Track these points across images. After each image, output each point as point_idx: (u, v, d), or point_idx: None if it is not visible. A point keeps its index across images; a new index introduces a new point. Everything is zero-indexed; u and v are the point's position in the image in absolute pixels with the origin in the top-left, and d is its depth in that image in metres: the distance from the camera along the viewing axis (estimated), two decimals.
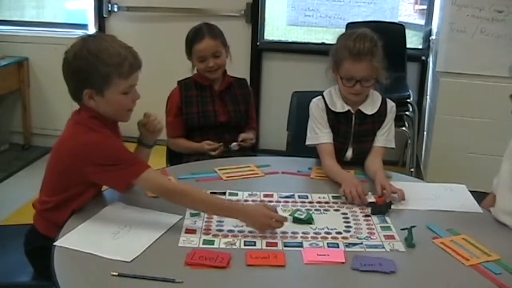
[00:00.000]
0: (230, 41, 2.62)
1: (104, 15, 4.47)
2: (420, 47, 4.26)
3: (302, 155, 2.33)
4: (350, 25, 3.83)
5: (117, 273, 1.46)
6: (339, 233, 1.73)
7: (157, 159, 2.52)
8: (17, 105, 4.47)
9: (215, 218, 1.79)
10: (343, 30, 3.35)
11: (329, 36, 4.15)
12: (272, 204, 1.82)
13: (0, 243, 2.11)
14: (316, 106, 2.28)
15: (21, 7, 4.75)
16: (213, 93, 2.60)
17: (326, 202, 1.95)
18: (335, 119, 2.24)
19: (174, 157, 2.68)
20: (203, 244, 1.63)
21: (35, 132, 4.49)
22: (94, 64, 1.75)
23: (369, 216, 1.84)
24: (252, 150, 2.67)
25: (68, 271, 1.51)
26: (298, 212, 1.81)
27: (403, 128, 3.83)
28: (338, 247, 1.65)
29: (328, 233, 1.73)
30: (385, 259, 1.57)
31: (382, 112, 2.24)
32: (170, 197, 1.79)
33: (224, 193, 1.96)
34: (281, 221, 1.72)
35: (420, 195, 2.01)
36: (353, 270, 1.52)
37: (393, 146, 2.28)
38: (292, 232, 1.72)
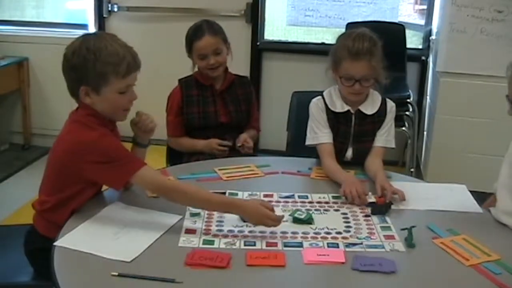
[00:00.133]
0: (230, 41, 2.61)
1: (104, 15, 4.47)
2: (420, 47, 4.26)
3: (302, 155, 2.33)
4: (350, 25, 3.82)
5: (117, 273, 1.46)
6: (339, 233, 1.73)
7: (157, 159, 2.53)
8: (17, 105, 4.47)
9: (215, 218, 1.79)
10: (343, 30, 3.35)
11: (329, 36, 4.15)
12: (272, 204, 1.82)
13: (0, 243, 2.11)
14: (315, 106, 2.28)
15: (21, 7, 4.75)
16: (214, 93, 2.59)
17: (326, 202, 1.95)
18: (334, 119, 2.24)
19: (174, 157, 2.68)
20: (203, 244, 1.63)
21: (35, 132, 4.50)
22: (91, 62, 1.75)
23: (369, 216, 1.84)
24: (252, 150, 2.66)
25: (68, 271, 1.51)
26: (298, 212, 1.81)
27: (403, 128, 3.83)
28: (338, 247, 1.65)
29: (328, 233, 1.73)
30: (385, 259, 1.57)
31: (382, 112, 2.25)
32: (166, 195, 1.80)
33: (224, 193, 1.95)
34: (277, 220, 1.72)
35: (420, 195, 2.01)
36: (353, 270, 1.52)
37: (393, 146, 2.28)
38: (292, 232, 1.72)
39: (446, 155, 3.67)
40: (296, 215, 1.79)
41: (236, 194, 1.95)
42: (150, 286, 1.43)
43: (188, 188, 1.81)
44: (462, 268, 1.56)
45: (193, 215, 1.81)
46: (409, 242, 1.66)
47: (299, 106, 2.59)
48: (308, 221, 1.78)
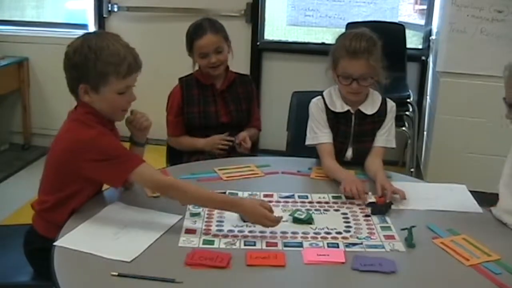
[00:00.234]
0: (230, 41, 2.61)
1: (104, 15, 4.47)
2: (420, 47, 4.26)
3: (302, 155, 2.33)
4: (350, 25, 3.82)
5: (117, 273, 1.46)
6: (339, 233, 1.73)
7: (157, 159, 2.53)
8: (17, 105, 4.47)
9: (215, 218, 1.79)
10: (343, 30, 3.34)
11: (329, 36, 4.15)
12: (272, 204, 1.82)
13: (0, 243, 2.11)
14: (315, 106, 2.28)
15: (21, 7, 4.75)
16: (214, 92, 2.58)
17: (326, 202, 1.95)
18: (334, 119, 2.24)
19: (174, 157, 2.68)
20: (203, 244, 1.63)
21: (35, 132, 4.50)
22: (92, 61, 1.75)
23: (369, 216, 1.84)
24: (252, 150, 2.66)
25: (68, 271, 1.51)
26: (298, 212, 1.80)
27: (403, 128, 3.83)
28: (338, 247, 1.65)
29: (328, 233, 1.72)
30: (385, 259, 1.57)
31: (382, 112, 2.24)
32: (165, 192, 1.80)
33: (224, 193, 1.95)
34: (275, 221, 1.72)
35: (420, 195, 2.01)
36: (353, 270, 1.52)
37: (394, 145, 2.28)
38: (292, 232, 1.72)
39: (446, 155, 3.67)
40: (296, 215, 1.79)
41: (236, 194, 1.95)
42: (150, 286, 1.43)
43: (187, 186, 1.81)
44: (462, 268, 1.56)
45: (193, 215, 1.81)
46: (409, 242, 1.66)
47: (299, 106, 2.59)
48: (308, 221, 1.78)
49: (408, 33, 4.09)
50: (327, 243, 1.66)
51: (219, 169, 2.17)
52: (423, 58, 4.19)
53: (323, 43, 4.24)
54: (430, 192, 2.05)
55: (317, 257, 1.58)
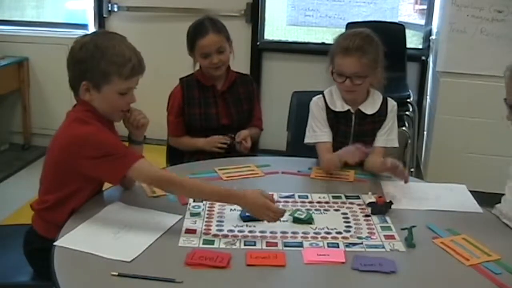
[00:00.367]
0: None
1: (104, 15, 4.47)
2: (420, 47, 4.26)
3: (302, 155, 2.33)
4: (350, 25, 3.82)
5: (117, 273, 1.46)
6: (339, 233, 1.73)
7: (157, 159, 2.53)
8: (17, 105, 4.47)
9: (215, 218, 1.79)
10: (343, 30, 3.34)
11: (329, 36, 4.15)
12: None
13: (0, 243, 2.11)
14: (316, 104, 2.28)
15: (21, 7, 4.75)
16: (215, 94, 2.56)
17: (326, 202, 1.94)
18: (334, 119, 2.24)
19: (174, 157, 2.67)
20: (203, 244, 1.63)
21: (35, 132, 4.49)
22: (97, 58, 1.76)
23: (369, 216, 1.84)
24: (253, 150, 2.66)
25: (68, 271, 1.51)
26: (298, 212, 1.80)
27: (403, 128, 3.83)
28: (338, 247, 1.65)
29: (328, 233, 1.72)
30: (385, 259, 1.57)
31: (382, 112, 2.24)
32: (164, 186, 1.80)
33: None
34: (278, 213, 1.72)
35: (420, 195, 2.01)
36: (353, 270, 1.52)
37: (396, 145, 2.27)
38: (292, 232, 1.72)
39: (446, 155, 3.67)
40: (296, 215, 1.79)
41: None
42: (150, 286, 1.43)
43: (185, 179, 1.81)
44: (462, 268, 1.56)
45: (193, 215, 1.81)
46: (409, 242, 1.66)
47: (299, 106, 2.59)
48: (308, 221, 1.78)
49: (408, 33, 4.09)
50: (327, 243, 1.66)
51: (219, 169, 2.17)
52: (423, 58, 4.19)
53: (323, 43, 4.23)
54: (430, 192, 2.05)
55: (317, 257, 1.58)
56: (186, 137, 2.60)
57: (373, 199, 1.92)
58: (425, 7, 4.22)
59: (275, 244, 1.65)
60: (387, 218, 1.83)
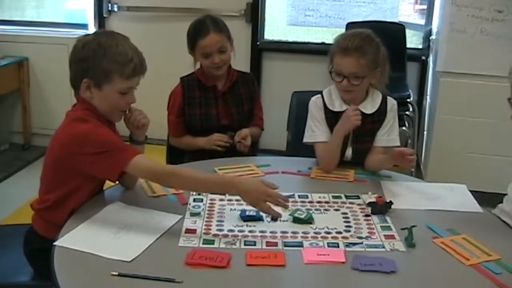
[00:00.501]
0: None
1: (104, 15, 4.48)
2: (420, 47, 4.26)
3: (302, 155, 2.33)
4: (350, 25, 3.83)
5: (117, 273, 1.46)
6: (339, 232, 1.73)
7: (157, 159, 2.52)
8: (17, 105, 4.47)
9: (215, 218, 1.79)
10: (343, 30, 3.36)
11: (329, 36, 4.15)
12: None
13: (0, 243, 2.11)
14: (314, 104, 2.28)
15: (21, 7, 4.76)
16: (216, 94, 2.55)
17: (326, 202, 1.94)
18: (333, 118, 2.23)
19: (174, 157, 2.67)
20: (203, 244, 1.63)
21: (35, 132, 4.50)
22: (99, 57, 1.77)
23: (369, 215, 1.84)
24: (253, 149, 2.65)
25: (68, 271, 1.51)
26: (298, 212, 1.80)
27: (403, 128, 3.83)
28: (338, 247, 1.64)
29: (328, 232, 1.72)
30: (385, 259, 1.57)
31: (382, 111, 2.24)
32: (162, 180, 1.79)
33: (224, 194, 1.95)
34: (276, 198, 1.72)
35: (420, 195, 2.01)
36: (353, 270, 1.52)
37: (398, 144, 2.26)
38: (292, 232, 1.72)
39: (446, 155, 3.67)
40: (296, 214, 1.79)
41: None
42: (150, 286, 1.43)
43: (184, 171, 1.81)
44: (462, 268, 1.56)
45: (193, 215, 1.81)
46: (409, 242, 1.65)
47: (299, 106, 2.59)
48: (308, 220, 1.78)
49: (408, 33, 4.09)
50: (327, 243, 1.66)
51: (219, 169, 2.17)
52: (423, 58, 4.20)
53: (323, 43, 4.24)
54: (430, 192, 2.05)
55: (317, 257, 1.58)
56: (187, 137, 2.59)
57: (373, 199, 1.92)
58: (425, 7, 4.22)
59: (275, 244, 1.65)
60: (387, 218, 1.82)
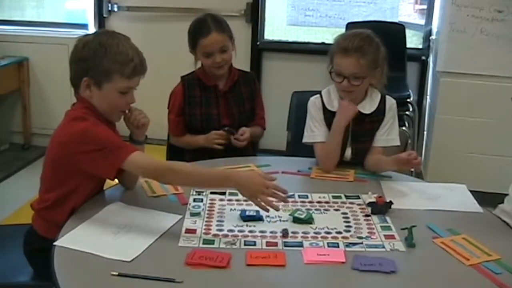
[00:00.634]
0: None
1: (104, 15, 4.48)
2: (420, 47, 4.26)
3: (302, 155, 2.33)
4: (350, 25, 3.83)
5: (117, 273, 1.46)
6: (339, 232, 1.73)
7: (157, 158, 2.52)
8: (17, 105, 4.47)
9: (215, 218, 1.79)
10: (343, 30, 3.36)
11: (329, 36, 4.15)
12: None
13: (0, 243, 2.11)
14: (313, 104, 2.28)
15: (21, 7, 4.76)
16: (217, 94, 2.54)
17: (326, 202, 1.94)
18: (332, 118, 2.23)
19: (175, 157, 2.66)
20: (203, 244, 1.63)
21: (35, 132, 4.50)
22: (100, 56, 1.77)
23: (369, 215, 1.84)
24: (253, 150, 2.65)
25: (68, 271, 1.51)
26: (298, 212, 1.80)
27: (403, 128, 3.83)
28: (338, 247, 1.64)
29: (328, 232, 1.72)
30: (385, 259, 1.57)
31: (380, 111, 2.23)
32: (160, 177, 1.79)
33: (224, 193, 1.96)
34: (274, 190, 1.72)
35: (420, 195, 2.01)
36: (353, 270, 1.52)
37: (398, 143, 2.26)
38: (292, 232, 1.72)
39: (446, 155, 3.67)
40: (296, 214, 1.79)
41: (236, 194, 1.94)
42: (150, 286, 1.43)
43: (182, 167, 1.80)
44: (462, 268, 1.56)
45: (193, 215, 1.81)
46: (409, 242, 1.65)
47: (299, 106, 2.58)
48: (308, 220, 1.78)
49: (408, 33, 4.09)
50: (327, 243, 1.66)
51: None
52: (423, 58, 4.19)
53: (323, 43, 4.24)
54: (430, 192, 2.05)
55: (317, 257, 1.58)
56: (187, 136, 2.58)
57: (373, 199, 1.92)
58: (425, 7, 4.22)
59: (275, 244, 1.65)
60: (387, 218, 1.82)
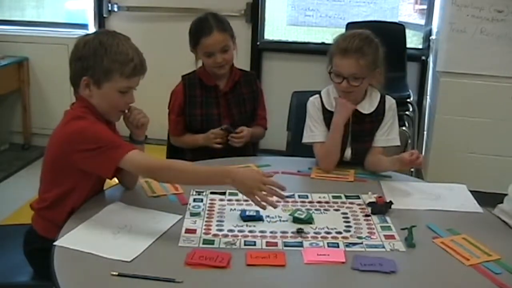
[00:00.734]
0: None
1: (104, 15, 4.48)
2: (420, 47, 4.26)
3: (302, 155, 2.33)
4: (350, 25, 3.83)
5: (117, 273, 1.46)
6: (339, 232, 1.73)
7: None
8: (17, 105, 4.47)
9: (215, 218, 1.79)
10: (343, 30, 3.35)
11: (329, 36, 4.15)
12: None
13: (0, 243, 2.11)
14: (312, 105, 2.28)
15: (21, 7, 4.76)
16: (218, 94, 2.53)
17: (326, 202, 1.94)
18: (331, 118, 2.23)
19: (175, 157, 2.66)
20: (203, 244, 1.63)
21: (35, 132, 4.50)
22: (100, 55, 1.78)
23: (369, 215, 1.84)
24: (252, 150, 2.65)
25: (68, 271, 1.51)
26: (298, 212, 1.80)
27: (403, 128, 3.83)
28: (338, 247, 1.64)
29: (328, 232, 1.72)
30: (385, 259, 1.57)
31: (380, 111, 2.23)
32: (158, 175, 1.79)
33: (224, 193, 1.96)
34: (271, 186, 1.72)
35: (420, 195, 2.01)
36: (353, 270, 1.52)
37: (398, 143, 2.26)
38: (292, 232, 1.72)
39: (446, 155, 3.67)
40: (296, 214, 1.79)
41: (236, 194, 1.94)
42: (150, 286, 1.43)
43: (179, 164, 1.80)
44: (462, 268, 1.56)
45: (193, 215, 1.81)
46: (409, 242, 1.66)
47: (299, 106, 2.58)
48: (308, 221, 1.78)
49: (408, 33, 4.09)
50: (327, 243, 1.66)
51: None
52: (423, 58, 4.19)
53: (323, 43, 4.24)
54: (430, 192, 2.05)
55: (317, 257, 1.58)
56: (187, 135, 2.57)
57: (373, 199, 1.92)
58: (425, 7, 4.22)
59: (275, 244, 1.65)
60: (387, 218, 1.82)
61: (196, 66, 2.58)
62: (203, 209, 1.85)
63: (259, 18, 4.32)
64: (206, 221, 1.77)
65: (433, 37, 4.07)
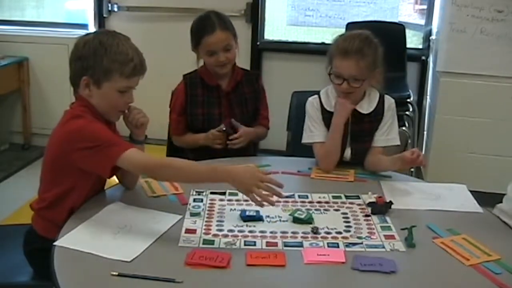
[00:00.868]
0: None
1: (104, 15, 4.48)
2: (420, 47, 4.27)
3: (302, 155, 2.33)
4: (350, 25, 3.83)
5: (117, 273, 1.46)
6: (339, 233, 1.73)
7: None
8: (17, 105, 4.48)
9: (215, 218, 1.79)
10: (343, 30, 3.36)
11: (329, 36, 4.14)
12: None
13: (0, 243, 2.11)
14: (311, 105, 2.28)
15: (21, 7, 4.76)
16: (219, 94, 2.51)
17: (326, 202, 1.94)
18: (330, 118, 2.23)
19: (175, 157, 2.66)
20: (203, 244, 1.63)
21: (35, 132, 4.50)
22: (100, 55, 1.78)
23: (369, 216, 1.84)
24: (253, 150, 2.65)
25: (68, 271, 1.51)
26: (298, 212, 1.80)
27: (403, 128, 3.83)
28: (338, 247, 1.64)
29: (328, 233, 1.72)
30: (385, 259, 1.57)
31: (379, 111, 2.23)
32: (155, 173, 1.79)
33: (224, 193, 1.96)
34: (268, 183, 1.72)
35: (420, 195, 2.01)
36: (353, 270, 1.52)
37: (398, 143, 2.26)
38: (292, 232, 1.72)
39: (446, 155, 3.67)
40: (296, 215, 1.79)
41: (236, 194, 1.95)
42: (150, 286, 1.43)
43: (177, 162, 1.80)
44: (462, 268, 1.56)
45: (193, 215, 1.81)
46: (409, 242, 1.66)
47: (299, 106, 2.58)
48: (308, 220, 1.78)
49: (408, 33, 4.09)
50: (327, 243, 1.66)
51: None
52: (423, 58, 4.19)
53: (323, 43, 4.23)
54: (430, 192, 2.05)
55: (317, 257, 1.58)
56: (188, 135, 2.56)
57: (373, 199, 1.92)
58: (425, 7, 4.23)
59: (275, 244, 1.65)
60: (387, 218, 1.82)
61: (198, 65, 2.57)
62: (203, 209, 1.85)
63: (259, 18, 4.33)
64: (206, 221, 1.77)
65: (433, 37, 4.07)
